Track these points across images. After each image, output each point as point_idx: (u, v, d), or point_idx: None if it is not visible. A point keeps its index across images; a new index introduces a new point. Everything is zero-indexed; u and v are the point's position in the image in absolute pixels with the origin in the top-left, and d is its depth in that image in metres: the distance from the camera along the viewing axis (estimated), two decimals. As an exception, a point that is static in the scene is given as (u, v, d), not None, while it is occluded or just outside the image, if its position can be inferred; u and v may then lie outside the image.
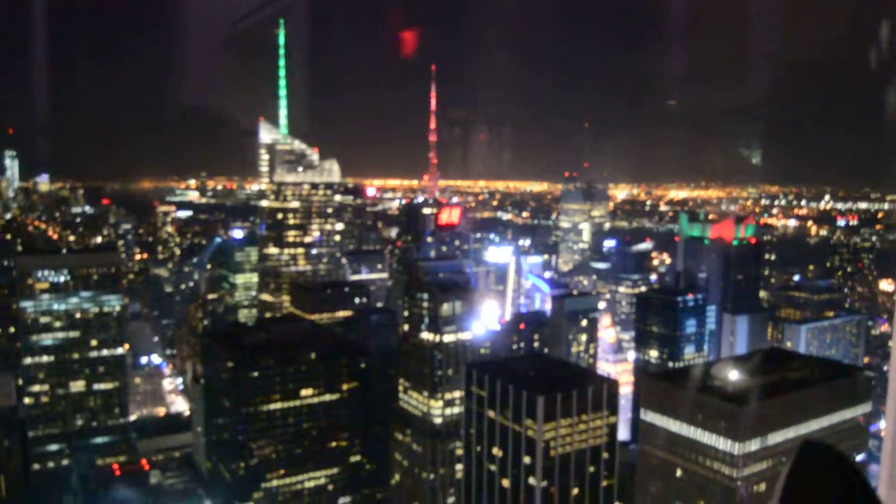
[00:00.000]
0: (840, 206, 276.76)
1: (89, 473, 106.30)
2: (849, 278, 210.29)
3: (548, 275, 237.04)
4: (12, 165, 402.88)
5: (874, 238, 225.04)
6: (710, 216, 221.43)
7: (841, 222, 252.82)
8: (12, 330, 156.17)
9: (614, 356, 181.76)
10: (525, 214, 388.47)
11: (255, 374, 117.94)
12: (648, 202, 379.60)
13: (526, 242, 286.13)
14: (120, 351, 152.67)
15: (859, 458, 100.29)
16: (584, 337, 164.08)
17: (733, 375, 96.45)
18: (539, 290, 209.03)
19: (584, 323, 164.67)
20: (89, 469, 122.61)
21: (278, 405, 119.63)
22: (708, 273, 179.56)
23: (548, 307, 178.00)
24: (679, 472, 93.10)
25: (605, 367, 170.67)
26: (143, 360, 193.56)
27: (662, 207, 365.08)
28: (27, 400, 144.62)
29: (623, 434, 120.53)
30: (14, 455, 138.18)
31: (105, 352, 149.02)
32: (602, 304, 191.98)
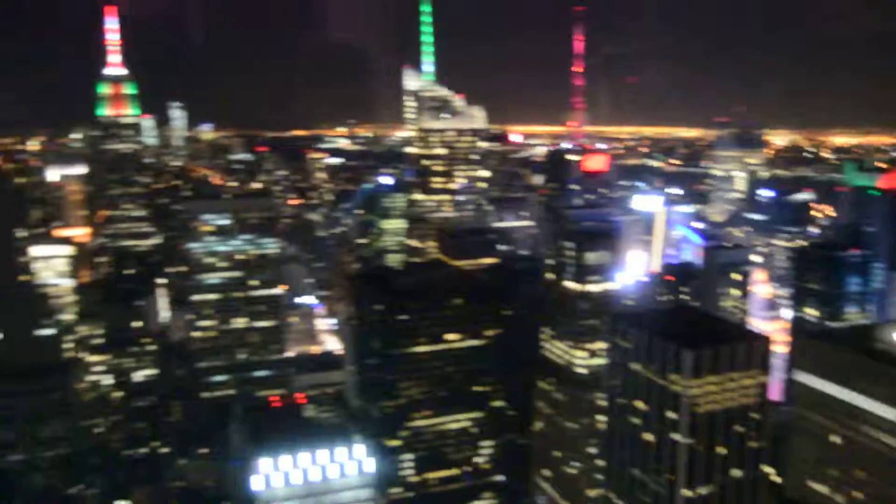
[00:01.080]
0: None
1: (250, 404, 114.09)
2: None
3: (699, 225, 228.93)
4: (180, 116, 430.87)
5: None
6: (879, 164, 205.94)
7: None
8: (184, 269, 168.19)
9: (768, 313, 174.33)
10: (675, 161, 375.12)
11: (403, 317, 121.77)
12: (811, 149, 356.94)
13: (676, 191, 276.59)
14: (277, 291, 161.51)
15: None
16: (735, 291, 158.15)
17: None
18: (689, 241, 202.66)
19: (737, 277, 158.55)
20: (250, 400, 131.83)
21: (424, 348, 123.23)
22: (875, 227, 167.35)
23: (698, 259, 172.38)
24: (836, 439, 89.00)
25: (757, 324, 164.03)
26: (299, 300, 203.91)
27: (826, 155, 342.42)
28: (196, 334, 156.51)
29: (775, 395, 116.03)
30: (187, 383, 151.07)
31: (264, 291, 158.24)
32: (757, 258, 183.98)
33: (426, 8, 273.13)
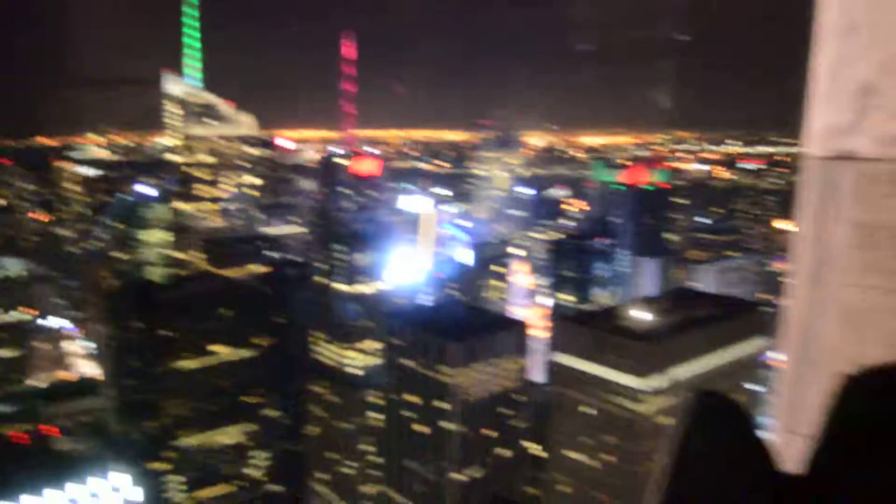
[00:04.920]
0: (746, 150, 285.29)
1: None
2: (751, 220, 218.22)
3: (465, 223, 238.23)
4: None
5: (780, 181, 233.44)
6: (623, 162, 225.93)
7: (746, 166, 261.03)
8: None
9: (530, 301, 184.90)
10: (443, 164, 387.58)
11: (166, 332, 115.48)
12: (564, 149, 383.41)
13: (444, 191, 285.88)
14: (22, 316, 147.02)
15: (759, 388, 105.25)
16: (500, 283, 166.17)
17: (641, 315, 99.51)
18: (456, 239, 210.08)
19: (500, 270, 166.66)
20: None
21: (192, 363, 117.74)
22: (620, 218, 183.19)
23: (465, 255, 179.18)
24: (589, 410, 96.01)
25: (520, 313, 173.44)
26: (49, 323, 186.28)
27: (577, 154, 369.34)
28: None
29: (539, 377, 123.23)
30: None
31: (5, 317, 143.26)
32: (518, 251, 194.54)
33: (191, 11, 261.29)
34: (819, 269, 2.59)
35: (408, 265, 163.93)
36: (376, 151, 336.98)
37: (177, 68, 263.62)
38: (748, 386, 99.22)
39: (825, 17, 2.40)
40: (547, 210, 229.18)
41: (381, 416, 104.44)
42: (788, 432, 2.70)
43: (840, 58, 2.47)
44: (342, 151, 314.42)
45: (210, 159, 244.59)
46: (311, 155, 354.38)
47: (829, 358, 2.61)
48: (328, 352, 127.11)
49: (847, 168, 2.48)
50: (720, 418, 2.16)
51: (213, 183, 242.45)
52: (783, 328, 2.72)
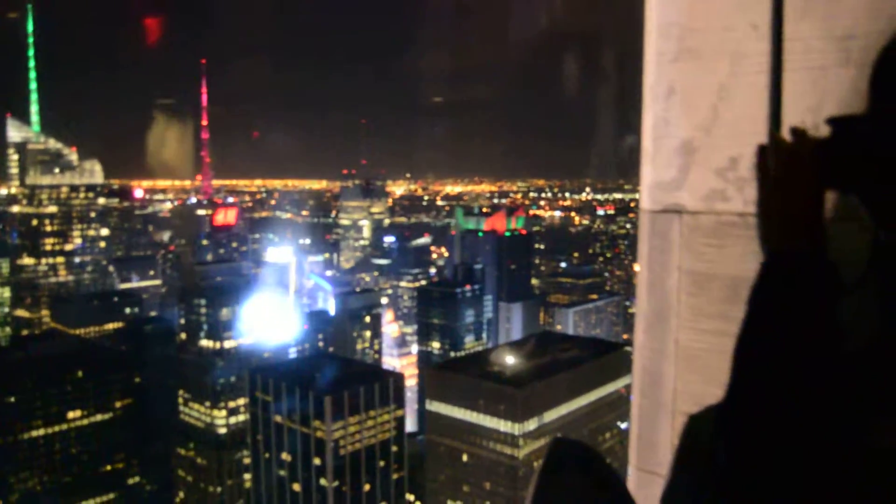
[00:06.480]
0: (599, 196, 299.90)
1: None
2: (608, 263, 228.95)
3: (330, 273, 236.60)
4: None
5: (628, 225, 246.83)
6: (484, 209, 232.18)
7: (600, 212, 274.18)
8: None
9: (399, 350, 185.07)
10: (305, 213, 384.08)
11: (11, 398, 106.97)
12: (426, 198, 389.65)
13: (306, 241, 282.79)
14: None
15: (625, 426, 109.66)
16: (368, 333, 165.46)
17: (509, 360, 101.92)
18: (321, 289, 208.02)
19: (368, 319, 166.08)
20: None
21: (41, 431, 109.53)
22: (483, 264, 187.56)
23: (331, 306, 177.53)
24: (465, 457, 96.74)
25: (390, 362, 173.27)
26: None
27: (439, 202, 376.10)
28: None
29: (412, 426, 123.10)
30: None
31: None
32: (385, 300, 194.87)
33: (30, 52, 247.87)
34: (659, 314, 2.76)
35: (272, 318, 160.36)
36: (233, 200, 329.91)
37: (17, 113, 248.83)
38: (619, 424, 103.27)
39: (648, 81, 2.76)
40: (412, 258, 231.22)
41: (253, 476, 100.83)
42: (643, 471, 2.91)
43: (662, 118, 2.70)
44: (198, 201, 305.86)
45: (56, 209, 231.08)
46: (166, 205, 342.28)
47: (674, 398, 2.75)
48: (193, 411, 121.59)
49: (674, 220, 2.67)
50: (572, 464, 2.27)
51: (59, 235, 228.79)
52: (633, 370, 3.03)
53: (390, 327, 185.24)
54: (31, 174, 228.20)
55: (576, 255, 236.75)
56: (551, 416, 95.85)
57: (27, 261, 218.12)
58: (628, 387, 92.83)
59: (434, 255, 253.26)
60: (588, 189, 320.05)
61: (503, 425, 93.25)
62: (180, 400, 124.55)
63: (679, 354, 2.68)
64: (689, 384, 2.57)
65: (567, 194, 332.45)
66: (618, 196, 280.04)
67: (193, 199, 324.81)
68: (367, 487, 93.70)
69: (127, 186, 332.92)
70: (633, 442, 2.94)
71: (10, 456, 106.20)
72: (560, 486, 2.19)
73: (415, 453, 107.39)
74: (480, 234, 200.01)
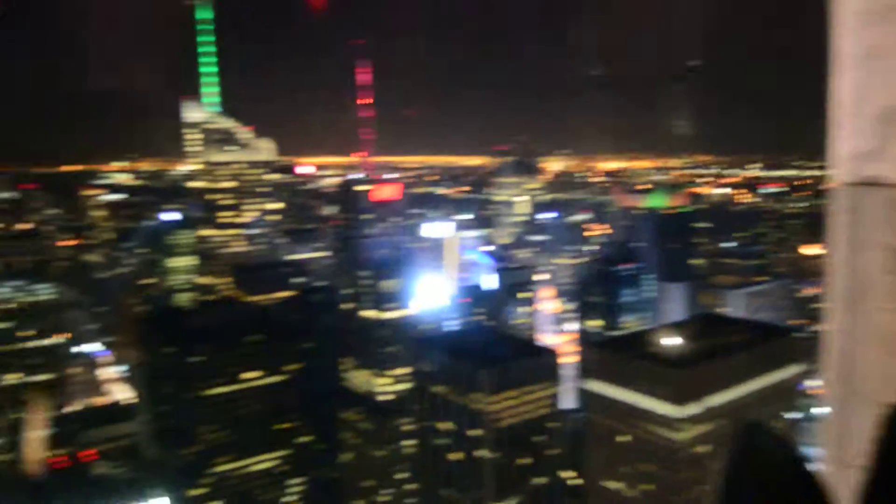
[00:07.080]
0: (768, 173, 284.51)
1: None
2: (776, 244, 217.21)
3: (488, 248, 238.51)
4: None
5: (802, 204, 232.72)
6: (643, 186, 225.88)
7: (771, 189, 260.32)
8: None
9: (556, 327, 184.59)
10: (462, 189, 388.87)
11: (196, 358, 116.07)
12: (581, 173, 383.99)
13: (464, 217, 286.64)
14: (55, 340, 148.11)
15: (794, 416, 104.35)
16: (525, 309, 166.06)
17: (671, 341, 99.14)
18: (480, 264, 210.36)
19: (525, 295, 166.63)
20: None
21: (221, 390, 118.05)
22: (645, 243, 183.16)
23: (488, 281, 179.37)
24: (624, 438, 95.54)
25: (546, 339, 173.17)
26: (81, 349, 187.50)
27: (596, 179, 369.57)
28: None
29: (569, 403, 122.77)
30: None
31: (39, 342, 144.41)
32: (542, 277, 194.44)
33: (207, 38, 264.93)
34: (854, 295, 2.50)
35: (433, 291, 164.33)
36: (395, 177, 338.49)
37: (196, 95, 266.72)
38: (786, 414, 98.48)
39: (843, 45, 2.49)
40: (569, 235, 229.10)
41: (415, 444, 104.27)
42: (838, 463, 2.61)
43: (861, 84, 2.44)
44: (361, 177, 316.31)
45: (231, 185, 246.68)
46: (330, 181, 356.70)
47: (872, 386, 2.51)
48: (358, 378, 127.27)
49: (874, 193, 2.41)
50: (769, 450, 2.08)
51: (235, 209, 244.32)
52: (823, 356, 2.67)
53: (548, 304, 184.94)
54: (209, 152, 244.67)
55: (740, 235, 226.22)
56: (714, 401, 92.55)
57: (207, 232, 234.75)
58: (798, 375, 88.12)
59: (592, 233, 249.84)
60: (755, 165, 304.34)
61: (664, 408, 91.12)
62: (346, 366, 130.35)
63: (878, 338, 2.34)
64: (889, 369, 2.34)
65: (732, 171, 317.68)
66: (786, 174, 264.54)
67: (356, 175, 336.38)
68: (524, 460, 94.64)
69: (297, 163, 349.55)
70: (826, 432, 2.79)
71: (196, 411, 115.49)
72: (753, 472, 2.06)
73: (574, 431, 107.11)
74: (643, 210, 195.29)
